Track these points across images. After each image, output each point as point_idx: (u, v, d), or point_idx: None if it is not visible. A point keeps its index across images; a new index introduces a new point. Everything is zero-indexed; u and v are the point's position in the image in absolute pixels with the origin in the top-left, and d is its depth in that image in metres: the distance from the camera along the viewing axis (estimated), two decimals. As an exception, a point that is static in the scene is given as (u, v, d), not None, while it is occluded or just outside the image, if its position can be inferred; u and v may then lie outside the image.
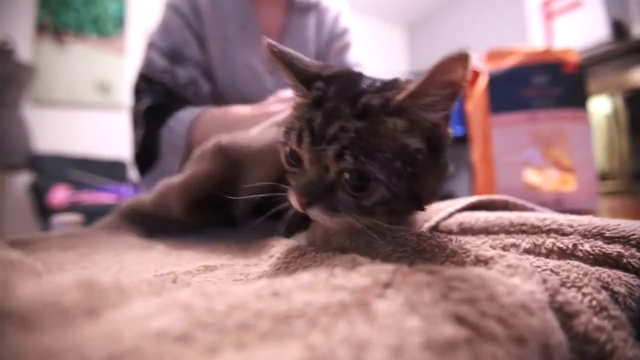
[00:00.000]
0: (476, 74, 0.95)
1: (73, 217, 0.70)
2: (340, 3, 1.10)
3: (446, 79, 0.26)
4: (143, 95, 0.82)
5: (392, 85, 0.31)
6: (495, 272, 0.20)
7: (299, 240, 0.41)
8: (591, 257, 0.29)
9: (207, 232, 0.61)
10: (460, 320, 0.15)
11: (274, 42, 0.32)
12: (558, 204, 0.85)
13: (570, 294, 0.21)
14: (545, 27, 2.87)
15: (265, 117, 0.61)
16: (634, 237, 0.28)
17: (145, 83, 0.83)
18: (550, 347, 0.16)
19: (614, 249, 0.28)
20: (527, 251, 0.32)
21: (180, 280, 0.21)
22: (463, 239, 0.32)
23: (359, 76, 0.33)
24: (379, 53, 3.83)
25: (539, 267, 0.25)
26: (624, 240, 0.28)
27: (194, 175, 0.52)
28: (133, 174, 2.58)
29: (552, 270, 0.24)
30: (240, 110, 0.71)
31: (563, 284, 0.23)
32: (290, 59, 0.33)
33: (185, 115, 0.76)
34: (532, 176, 0.89)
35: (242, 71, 0.93)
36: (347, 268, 0.19)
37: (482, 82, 0.92)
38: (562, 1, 2.74)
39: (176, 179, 0.54)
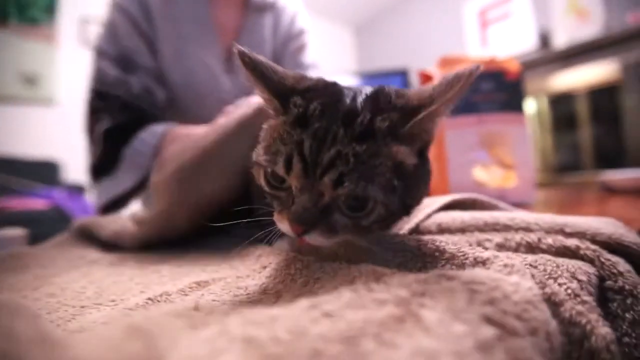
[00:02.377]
0: (430, 78, 1.02)
1: (16, 232, 0.63)
2: (297, 4, 1.11)
3: (454, 96, 0.27)
4: (101, 115, 0.80)
5: (382, 99, 0.29)
6: (494, 271, 0.23)
7: (281, 246, 0.41)
8: (553, 249, 0.33)
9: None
10: (489, 320, 0.17)
11: (245, 50, 0.29)
12: (502, 199, 0.93)
13: (554, 286, 0.24)
14: (481, 34, 3.12)
15: None
16: (589, 232, 0.33)
17: (101, 100, 0.81)
18: (551, 333, 0.19)
19: (573, 242, 0.32)
20: (499, 245, 0.36)
21: (202, 306, 0.20)
22: (450, 238, 0.35)
23: (338, 88, 0.31)
24: (328, 53, 3.90)
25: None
26: (581, 235, 0.33)
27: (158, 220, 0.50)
28: (66, 175, 2.35)
29: (531, 265, 0.28)
30: (200, 130, 0.70)
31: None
32: (263, 69, 0.29)
33: (148, 137, 0.76)
34: (479, 174, 0.98)
35: (197, 71, 0.90)
36: (370, 280, 0.20)
37: (436, 87, 0.98)
38: (495, 11, 3.01)
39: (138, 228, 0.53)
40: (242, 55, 0.29)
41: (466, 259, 0.25)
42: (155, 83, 0.85)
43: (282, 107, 0.30)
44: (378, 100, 0.29)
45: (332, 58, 3.87)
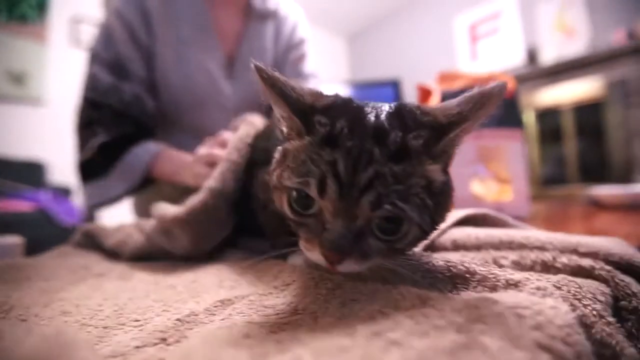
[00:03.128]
0: (429, 93, 1.04)
1: (13, 239, 0.61)
2: (298, 13, 1.13)
3: (486, 113, 0.26)
4: (95, 129, 0.81)
5: (407, 116, 0.28)
6: (528, 294, 0.24)
7: (295, 261, 0.41)
8: (568, 268, 0.34)
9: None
10: (539, 345, 0.17)
11: (264, 67, 0.28)
12: (498, 212, 0.96)
13: (581, 307, 0.25)
14: (471, 48, 3.20)
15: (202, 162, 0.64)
16: (602, 252, 0.34)
17: (94, 110, 0.82)
18: (590, 355, 0.20)
19: (587, 262, 0.34)
20: (515, 263, 0.37)
21: (246, 330, 0.20)
22: (466, 255, 0.36)
23: (358, 106, 0.30)
24: (320, 62, 3.93)
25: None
26: (594, 255, 0.34)
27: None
28: (52, 176, 2.28)
29: (554, 286, 0.29)
30: (185, 157, 0.76)
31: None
32: (282, 87, 0.28)
33: (142, 154, 0.79)
34: (477, 187, 1.01)
35: (197, 74, 0.90)
36: (417, 304, 0.20)
37: (435, 101, 1.01)
38: (485, 26, 3.09)
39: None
40: (260, 72, 0.28)
41: (498, 281, 0.26)
42: (145, 92, 0.86)
43: (304, 126, 0.28)
44: (403, 117, 0.28)
45: (324, 67, 3.90)
